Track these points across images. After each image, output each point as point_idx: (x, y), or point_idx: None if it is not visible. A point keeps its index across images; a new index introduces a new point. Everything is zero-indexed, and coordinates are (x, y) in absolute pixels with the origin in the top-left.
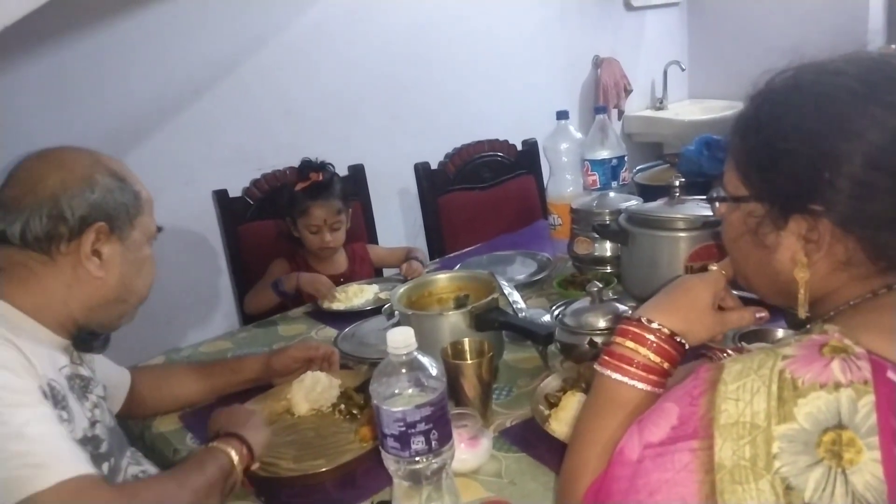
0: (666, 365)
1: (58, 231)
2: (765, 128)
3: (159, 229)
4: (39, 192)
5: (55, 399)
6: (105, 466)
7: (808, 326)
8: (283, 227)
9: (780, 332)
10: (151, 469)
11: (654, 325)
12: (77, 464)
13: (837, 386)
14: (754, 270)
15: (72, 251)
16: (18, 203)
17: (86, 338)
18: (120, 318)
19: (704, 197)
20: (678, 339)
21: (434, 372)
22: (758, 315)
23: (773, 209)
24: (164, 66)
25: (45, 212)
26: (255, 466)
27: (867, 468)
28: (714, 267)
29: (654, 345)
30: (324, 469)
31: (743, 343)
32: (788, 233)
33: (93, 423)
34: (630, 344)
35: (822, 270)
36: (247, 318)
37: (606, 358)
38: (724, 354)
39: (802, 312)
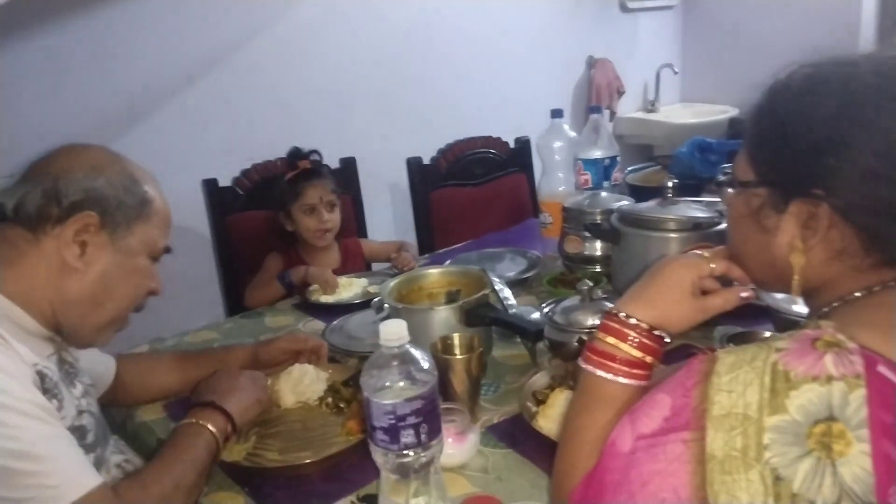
0: (648, 359)
1: (48, 211)
2: (776, 112)
3: (167, 250)
4: (45, 170)
5: (45, 387)
6: (91, 457)
7: (803, 322)
8: (276, 222)
9: (768, 335)
10: (135, 458)
11: (633, 321)
12: (87, 478)
13: (830, 379)
14: (752, 254)
15: (57, 235)
16: (24, 179)
17: None
18: (92, 330)
19: (696, 199)
20: (657, 333)
21: (425, 365)
22: (742, 294)
23: (775, 192)
24: (157, 53)
25: (42, 189)
26: (232, 441)
27: (856, 460)
28: (700, 253)
29: (635, 340)
30: (309, 461)
31: (731, 345)
32: (788, 216)
33: (80, 413)
34: (611, 340)
35: (818, 258)
36: (233, 308)
37: (589, 354)
38: None
39: (797, 296)
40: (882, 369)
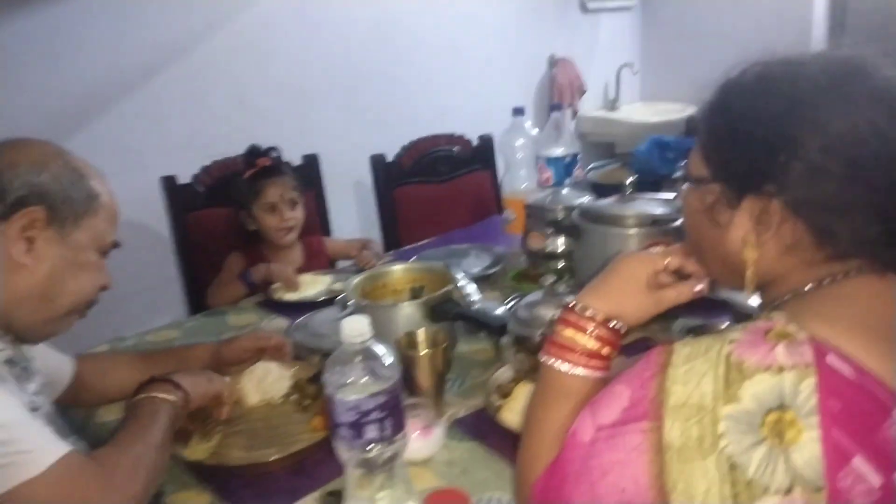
0: (605, 350)
1: None
2: (729, 110)
3: (116, 245)
4: None
5: None
6: None
7: (755, 314)
8: (237, 222)
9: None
10: None
11: (589, 313)
12: (58, 444)
13: (781, 369)
14: (707, 249)
15: (2, 231)
16: None
17: None
18: (45, 325)
19: (654, 195)
20: (613, 325)
21: (389, 361)
22: (695, 289)
23: (728, 188)
24: (114, 48)
25: None
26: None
27: (807, 447)
28: (658, 249)
29: (592, 332)
30: (274, 458)
31: (690, 336)
32: (741, 212)
33: (34, 409)
34: (569, 332)
35: (771, 253)
36: (195, 307)
37: (549, 347)
38: None
39: (750, 291)
40: (831, 359)
